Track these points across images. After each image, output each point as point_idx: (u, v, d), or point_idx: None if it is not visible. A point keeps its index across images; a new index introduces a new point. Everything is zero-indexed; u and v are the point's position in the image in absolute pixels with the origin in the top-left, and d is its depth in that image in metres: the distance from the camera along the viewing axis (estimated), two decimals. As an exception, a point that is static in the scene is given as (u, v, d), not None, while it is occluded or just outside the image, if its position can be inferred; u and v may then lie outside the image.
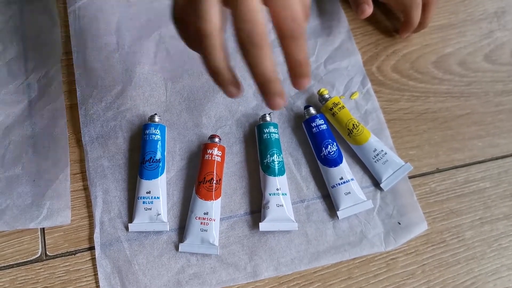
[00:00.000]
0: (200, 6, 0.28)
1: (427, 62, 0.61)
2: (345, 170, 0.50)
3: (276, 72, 0.31)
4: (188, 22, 0.30)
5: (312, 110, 0.53)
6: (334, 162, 0.50)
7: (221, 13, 0.29)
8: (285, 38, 0.30)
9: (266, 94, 0.31)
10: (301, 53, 0.30)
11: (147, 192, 0.48)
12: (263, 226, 0.47)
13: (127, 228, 0.47)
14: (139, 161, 0.49)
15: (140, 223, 0.47)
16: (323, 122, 0.52)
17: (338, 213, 0.49)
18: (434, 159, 0.55)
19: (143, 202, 0.47)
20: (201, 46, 0.30)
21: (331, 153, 0.50)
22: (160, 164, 0.49)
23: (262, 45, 0.29)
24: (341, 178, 0.50)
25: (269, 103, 0.31)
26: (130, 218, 0.48)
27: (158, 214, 0.47)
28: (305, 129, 0.53)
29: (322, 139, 0.51)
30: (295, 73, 0.31)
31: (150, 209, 0.47)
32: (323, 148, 0.50)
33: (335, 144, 0.51)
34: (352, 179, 0.50)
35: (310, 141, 0.53)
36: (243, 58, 0.30)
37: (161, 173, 0.49)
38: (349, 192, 0.49)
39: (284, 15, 0.29)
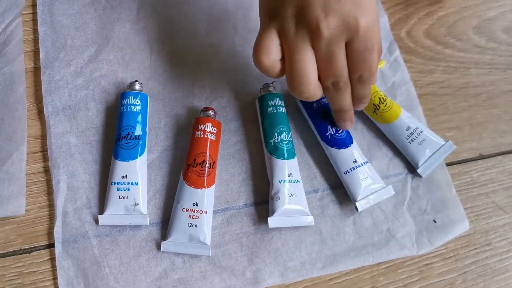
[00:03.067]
0: (342, 95, 0.37)
1: (467, 27, 0.52)
2: (358, 150, 0.42)
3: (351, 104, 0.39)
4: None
5: None
6: (344, 141, 0.42)
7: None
8: (355, 81, 0.36)
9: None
10: (367, 91, 0.38)
11: (123, 177, 0.39)
12: (273, 221, 0.39)
13: (96, 221, 0.40)
14: (115, 138, 0.40)
15: (113, 214, 0.39)
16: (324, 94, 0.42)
17: (357, 204, 0.41)
18: (476, 143, 0.47)
19: (118, 189, 0.39)
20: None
21: (339, 131, 0.42)
22: (140, 142, 0.40)
23: (346, 89, 0.37)
24: (355, 161, 0.41)
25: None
26: (101, 209, 0.40)
27: (136, 204, 0.39)
28: (302, 107, 0.45)
29: (326, 115, 0.43)
30: (355, 104, 0.40)
31: (126, 197, 0.39)
32: (329, 126, 0.42)
33: None
34: (366, 162, 0.42)
35: (310, 120, 0.44)
36: (328, 95, 0.38)
37: (141, 153, 0.40)
38: (367, 177, 0.41)
39: (362, 66, 0.35)
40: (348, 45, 0.34)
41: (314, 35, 0.33)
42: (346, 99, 0.38)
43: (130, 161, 0.39)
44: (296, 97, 0.37)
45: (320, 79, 0.36)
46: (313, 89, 0.35)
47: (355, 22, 0.32)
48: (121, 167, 0.39)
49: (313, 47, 0.34)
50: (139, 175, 0.39)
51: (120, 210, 0.39)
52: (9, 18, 0.45)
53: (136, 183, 0.39)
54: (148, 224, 0.39)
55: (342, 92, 0.37)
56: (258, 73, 0.46)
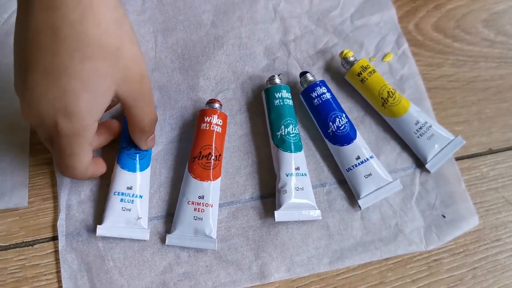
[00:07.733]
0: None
1: (476, 21, 0.51)
2: (361, 146, 0.41)
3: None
4: None
5: (309, 77, 0.43)
6: (347, 138, 0.41)
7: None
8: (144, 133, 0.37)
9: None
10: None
11: (128, 188, 0.38)
12: (279, 215, 0.38)
13: (100, 214, 0.38)
14: (120, 146, 0.39)
15: (112, 226, 0.37)
16: (325, 90, 0.42)
17: (360, 202, 0.40)
18: (486, 138, 0.46)
19: (121, 200, 0.37)
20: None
21: (341, 128, 0.41)
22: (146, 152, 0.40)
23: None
24: (358, 158, 0.40)
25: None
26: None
27: (139, 218, 0.38)
28: (304, 102, 0.44)
29: (328, 111, 0.42)
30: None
31: (129, 210, 0.37)
32: (330, 123, 0.41)
33: (344, 115, 0.42)
34: (371, 157, 0.41)
35: (312, 116, 0.43)
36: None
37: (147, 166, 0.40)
38: (370, 174, 0.40)
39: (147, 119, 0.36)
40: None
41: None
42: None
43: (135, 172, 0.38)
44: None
45: None
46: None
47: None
48: (125, 177, 0.38)
49: None
50: (146, 187, 0.38)
51: (120, 222, 0.37)
52: (11, 8, 0.44)
53: (141, 196, 0.38)
54: (148, 239, 0.38)
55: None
56: (265, 65, 0.46)
